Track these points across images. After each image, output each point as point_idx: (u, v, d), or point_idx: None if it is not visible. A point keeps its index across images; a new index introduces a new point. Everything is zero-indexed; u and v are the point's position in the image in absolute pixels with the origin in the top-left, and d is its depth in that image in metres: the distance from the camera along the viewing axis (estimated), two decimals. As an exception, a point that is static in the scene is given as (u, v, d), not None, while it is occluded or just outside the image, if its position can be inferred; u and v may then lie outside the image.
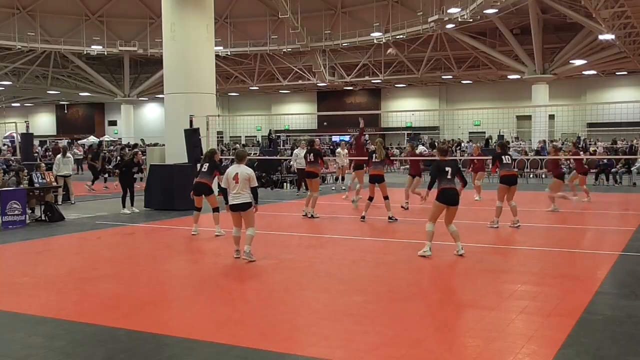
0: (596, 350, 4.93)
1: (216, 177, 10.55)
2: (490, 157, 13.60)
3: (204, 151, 16.02)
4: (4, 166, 21.29)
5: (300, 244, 10.58)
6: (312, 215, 13.21)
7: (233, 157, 9.54)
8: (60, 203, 15.72)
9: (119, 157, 31.75)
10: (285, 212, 15.27)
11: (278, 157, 23.70)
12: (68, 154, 17.26)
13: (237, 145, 39.89)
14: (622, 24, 28.60)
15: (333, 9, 44.38)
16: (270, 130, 38.88)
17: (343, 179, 21.24)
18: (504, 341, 5.21)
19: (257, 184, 8.53)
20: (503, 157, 11.61)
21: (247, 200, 8.36)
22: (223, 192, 8.67)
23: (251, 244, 8.48)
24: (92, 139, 53.76)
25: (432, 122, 49.32)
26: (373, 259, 8.89)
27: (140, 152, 15.47)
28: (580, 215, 13.85)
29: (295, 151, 20.90)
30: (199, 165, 11.06)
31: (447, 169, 8.69)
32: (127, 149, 36.14)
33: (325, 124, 55.23)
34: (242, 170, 8.38)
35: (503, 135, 34.99)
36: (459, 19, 33.95)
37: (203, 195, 10.75)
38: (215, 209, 10.96)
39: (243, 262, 8.72)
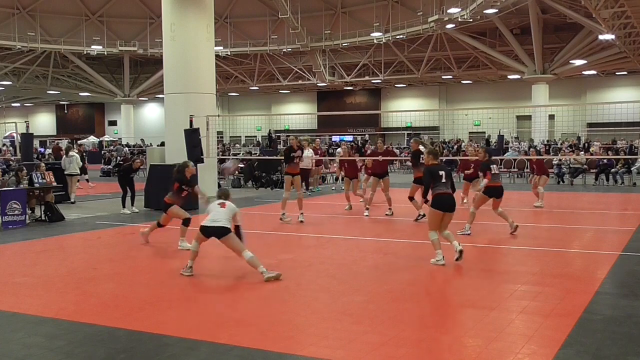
0: (596, 350, 4.93)
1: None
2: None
3: (204, 151, 16.09)
4: (4, 166, 21.29)
5: (300, 244, 10.58)
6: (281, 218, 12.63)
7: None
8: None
9: (119, 158, 31.89)
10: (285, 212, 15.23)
11: (278, 157, 23.70)
12: (71, 153, 17.31)
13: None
14: (622, 24, 28.64)
15: (333, 9, 44.38)
16: (269, 130, 38.93)
17: (343, 179, 21.22)
18: (504, 341, 5.20)
19: (239, 223, 7.77)
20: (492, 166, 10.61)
21: (226, 225, 7.55)
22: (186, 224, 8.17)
23: (260, 263, 7.53)
24: (92, 139, 53.85)
25: (432, 122, 49.34)
26: (373, 259, 8.89)
27: (140, 160, 15.12)
28: (580, 215, 13.85)
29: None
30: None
31: (440, 172, 8.20)
32: (126, 149, 36.25)
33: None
34: (229, 204, 7.76)
35: (503, 136, 35.05)
36: (459, 19, 33.98)
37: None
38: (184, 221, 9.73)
39: (243, 262, 8.72)
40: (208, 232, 7.65)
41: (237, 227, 7.73)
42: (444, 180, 8.16)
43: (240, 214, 7.90)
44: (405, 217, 13.15)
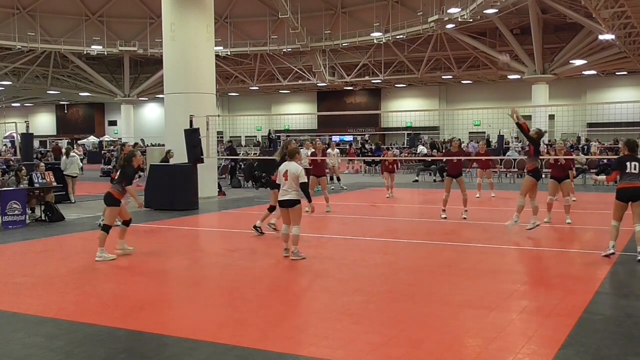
0: (596, 350, 4.93)
1: (134, 186, 9.33)
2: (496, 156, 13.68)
3: (204, 151, 16.08)
4: (4, 166, 21.29)
5: (300, 244, 10.55)
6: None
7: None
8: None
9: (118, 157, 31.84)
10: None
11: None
12: (72, 154, 17.31)
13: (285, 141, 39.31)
14: (622, 24, 28.63)
15: (333, 9, 44.39)
16: (269, 130, 38.93)
17: (339, 179, 21.23)
18: (504, 341, 5.20)
19: (305, 180, 8.63)
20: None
21: (294, 198, 8.52)
22: (277, 187, 8.86)
23: (297, 244, 8.69)
24: (92, 139, 53.87)
25: (432, 122, 49.36)
26: (373, 259, 8.89)
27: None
28: (581, 215, 13.84)
29: (301, 151, 20.89)
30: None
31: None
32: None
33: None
34: (291, 167, 8.55)
35: (503, 136, 35.05)
36: (459, 19, 33.99)
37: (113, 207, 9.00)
38: (125, 222, 9.21)
39: (243, 261, 8.74)
40: (282, 204, 8.62)
41: (302, 184, 8.53)
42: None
43: (302, 172, 8.53)
44: (406, 218, 13.15)
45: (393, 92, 54.59)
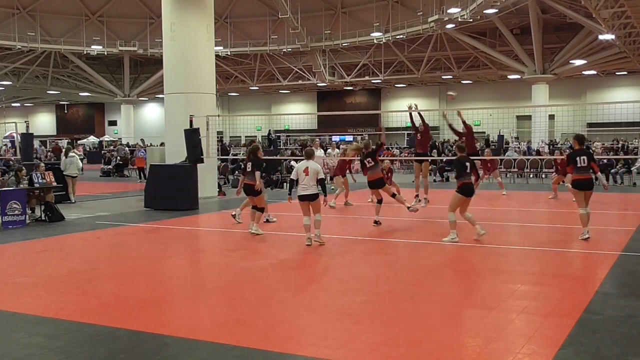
0: (596, 350, 4.93)
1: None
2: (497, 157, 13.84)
3: (204, 151, 16.08)
4: (4, 167, 21.29)
5: (300, 243, 10.55)
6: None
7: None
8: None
9: (119, 158, 31.86)
10: (285, 212, 15.25)
11: (278, 157, 23.73)
12: (70, 154, 17.31)
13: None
14: (622, 24, 28.62)
15: (333, 9, 44.38)
16: (270, 130, 38.95)
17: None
18: (504, 341, 5.21)
19: (323, 177, 9.83)
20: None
21: (315, 192, 9.59)
22: (291, 183, 9.93)
23: (320, 228, 9.65)
24: (92, 139, 53.87)
25: (432, 122, 49.20)
26: (373, 259, 8.89)
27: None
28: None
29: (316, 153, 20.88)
30: (243, 164, 11.22)
31: (466, 164, 9.81)
32: (127, 149, 36.20)
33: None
34: (312, 165, 9.61)
35: (503, 136, 35.05)
36: (459, 19, 33.98)
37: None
38: (259, 209, 10.96)
39: (243, 261, 8.74)
40: (302, 199, 9.58)
41: (321, 180, 9.83)
42: (468, 170, 9.78)
43: (321, 169, 9.81)
44: (406, 217, 13.14)
45: (393, 92, 54.56)
